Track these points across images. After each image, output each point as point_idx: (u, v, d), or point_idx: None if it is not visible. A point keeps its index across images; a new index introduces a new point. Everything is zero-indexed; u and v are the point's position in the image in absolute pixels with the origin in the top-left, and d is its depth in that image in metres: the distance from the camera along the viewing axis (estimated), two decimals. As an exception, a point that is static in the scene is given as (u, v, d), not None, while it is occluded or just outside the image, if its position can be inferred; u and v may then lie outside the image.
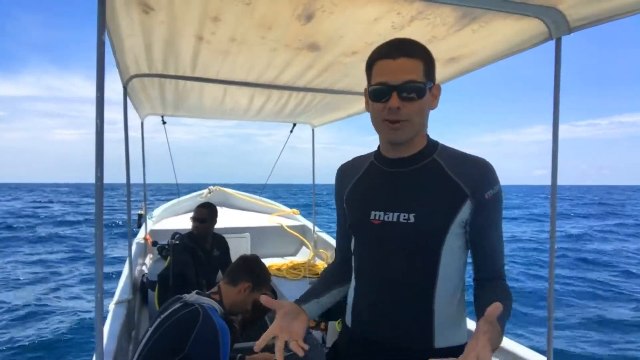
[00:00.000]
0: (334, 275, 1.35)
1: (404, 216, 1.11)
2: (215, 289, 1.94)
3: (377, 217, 1.15)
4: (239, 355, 2.06)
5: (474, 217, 1.11)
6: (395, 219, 1.12)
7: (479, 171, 1.11)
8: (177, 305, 1.76)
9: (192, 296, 1.80)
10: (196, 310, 1.69)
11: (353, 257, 1.26)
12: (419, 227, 1.10)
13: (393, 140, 1.13)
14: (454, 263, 1.14)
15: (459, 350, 1.10)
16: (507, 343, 2.09)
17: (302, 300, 1.22)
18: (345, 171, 1.32)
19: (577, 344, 6.54)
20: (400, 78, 1.05)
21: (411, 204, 1.12)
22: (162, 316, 1.74)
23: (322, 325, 2.43)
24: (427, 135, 1.19)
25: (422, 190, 1.12)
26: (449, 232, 1.10)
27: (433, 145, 1.18)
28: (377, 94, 1.09)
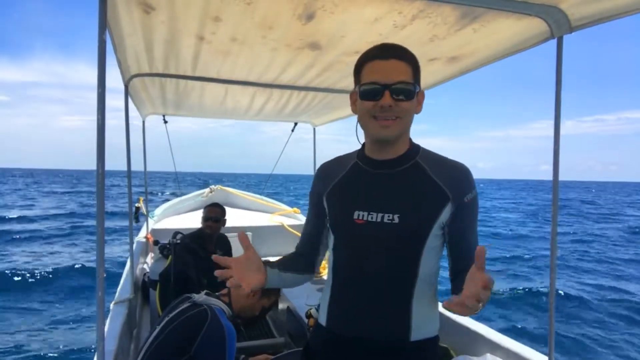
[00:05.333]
0: (296, 263, 1.36)
1: (389, 217, 1.14)
2: (225, 290, 1.93)
3: (360, 217, 1.17)
4: (242, 356, 2.06)
5: (453, 219, 1.15)
6: (379, 219, 1.15)
7: (459, 176, 1.16)
8: (186, 305, 1.75)
9: (201, 297, 1.79)
10: (204, 311, 1.68)
11: (332, 255, 1.27)
12: (403, 227, 1.13)
13: (381, 137, 1.15)
14: (431, 262, 1.18)
15: (431, 342, 1.19)
16: (509, 342, 2.08)
17: (268, 264, 1.25)
18: (327, 170, 1.32)
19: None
20: (393, 78, 1.09)
21: (396, 205, 1.14)
22: (170, 315, 1.72)
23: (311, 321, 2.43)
24: (410, 139, 1.24)
25: (406, 191, 1.16)
26: (431, 233, 1.14)
27: (415, 148, 1.22)
28: (369, 93, 1.11)
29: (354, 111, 1.21)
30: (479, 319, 2.39)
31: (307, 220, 1.39)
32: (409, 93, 1.10)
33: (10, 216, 19.70)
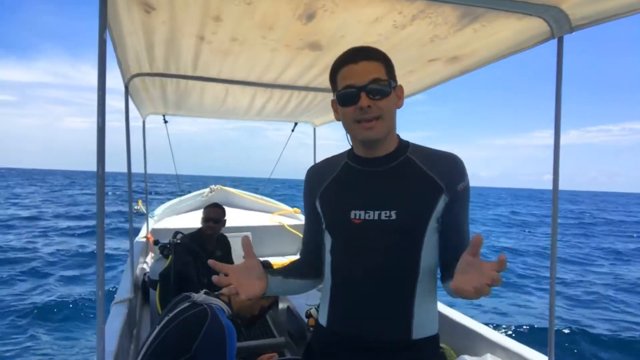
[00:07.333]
0: (302, 269, 1.35)
1: (386, 213, 1.13)
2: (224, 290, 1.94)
3: (357, 217, 1.16)
4: (241, 357, 2.06)
5: (447, 209, 1.15)
6: (376, 217, 1.14)
7: (450, 165, 1.16)
8: (185, 304, 1.75)
9: (200, 296, 1.79)
10: (204, 310, 1.68)
11: (330, 256, 1.26)
12: (401, 223, 1.12)
13: (368, 139, 1.15)
14: (431, 258, 1.17)
15: (433, 340, 1.18)
16: (509, 343, 2.08)
17: (270, 271, 1.23)
18: (316, 173, 1.32)
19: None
20: (366, 79, 1.10)
21: (392, 201, 1.14)
22: (170, 315, 1.72)
23: (311, 321, 2.44)
24: (398, 135, 1.24)
25: (401, 187, 1.16)
26: (429, 226, 1.14)
27: (405, 144, 1.23)
28: (346, 98, 1.12)
29: (337, 118, 1.22)
30: (478, 318, 2.39)
31: (305, 226, 1.39)
32: (384, 91, 1.11)
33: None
